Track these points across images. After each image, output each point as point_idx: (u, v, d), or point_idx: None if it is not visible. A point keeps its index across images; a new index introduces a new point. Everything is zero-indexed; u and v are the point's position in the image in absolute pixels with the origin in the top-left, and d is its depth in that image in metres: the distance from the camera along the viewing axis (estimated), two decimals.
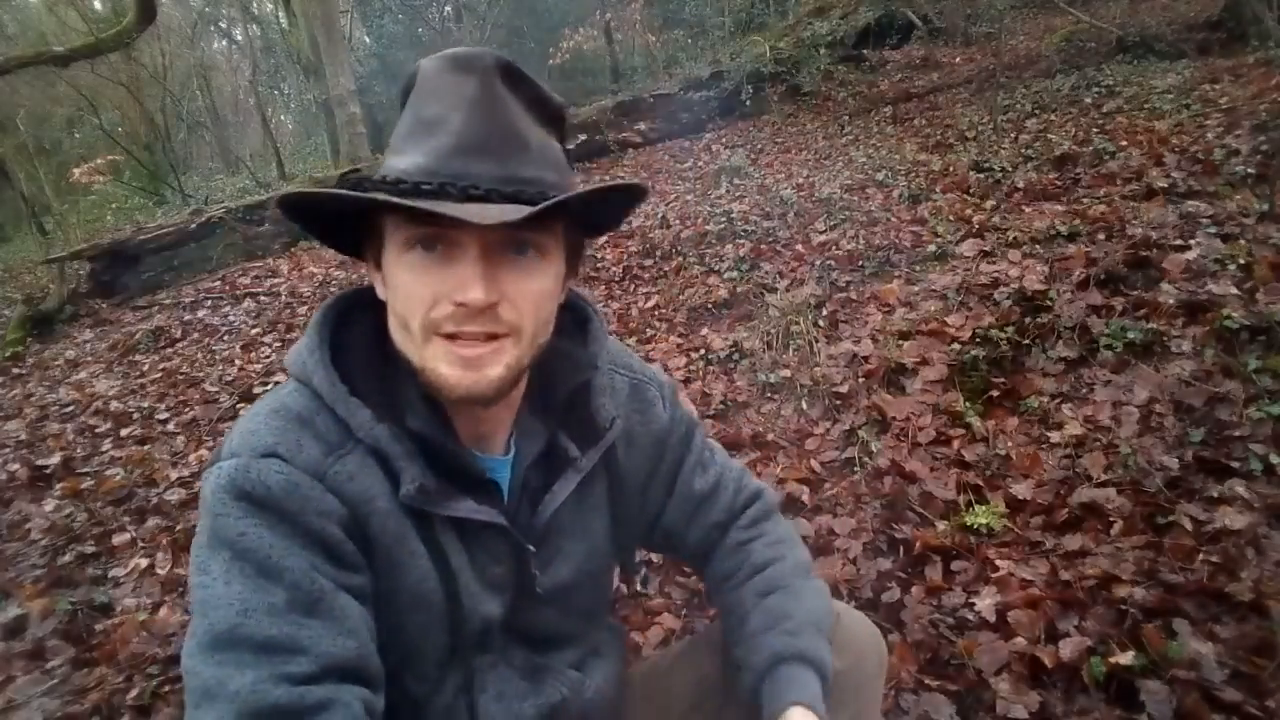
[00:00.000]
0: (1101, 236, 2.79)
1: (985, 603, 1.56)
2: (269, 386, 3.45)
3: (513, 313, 0.66)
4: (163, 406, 3.56)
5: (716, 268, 3.60)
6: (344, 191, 0.65)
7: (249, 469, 0.64)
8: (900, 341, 2.57)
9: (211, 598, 0.62)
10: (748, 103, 7.42)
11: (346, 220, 0.72)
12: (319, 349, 0.71)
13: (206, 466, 0.69)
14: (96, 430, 3.42)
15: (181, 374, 3.96)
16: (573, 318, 0.85)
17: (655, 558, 1.92)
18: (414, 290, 0.65)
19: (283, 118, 18.83)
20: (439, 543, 0.72)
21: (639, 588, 1.82)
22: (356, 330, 0.75)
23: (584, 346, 0.83)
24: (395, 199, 0.61)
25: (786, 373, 2.62)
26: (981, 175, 3.89)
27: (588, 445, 0.80)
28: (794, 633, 0.83)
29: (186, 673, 0.62)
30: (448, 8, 12.88)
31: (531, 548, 0.78)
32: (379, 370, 0.72)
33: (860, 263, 3.23)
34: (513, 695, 0.79)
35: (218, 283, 5.80)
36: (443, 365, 0.66)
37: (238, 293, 5.37)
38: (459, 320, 0.65)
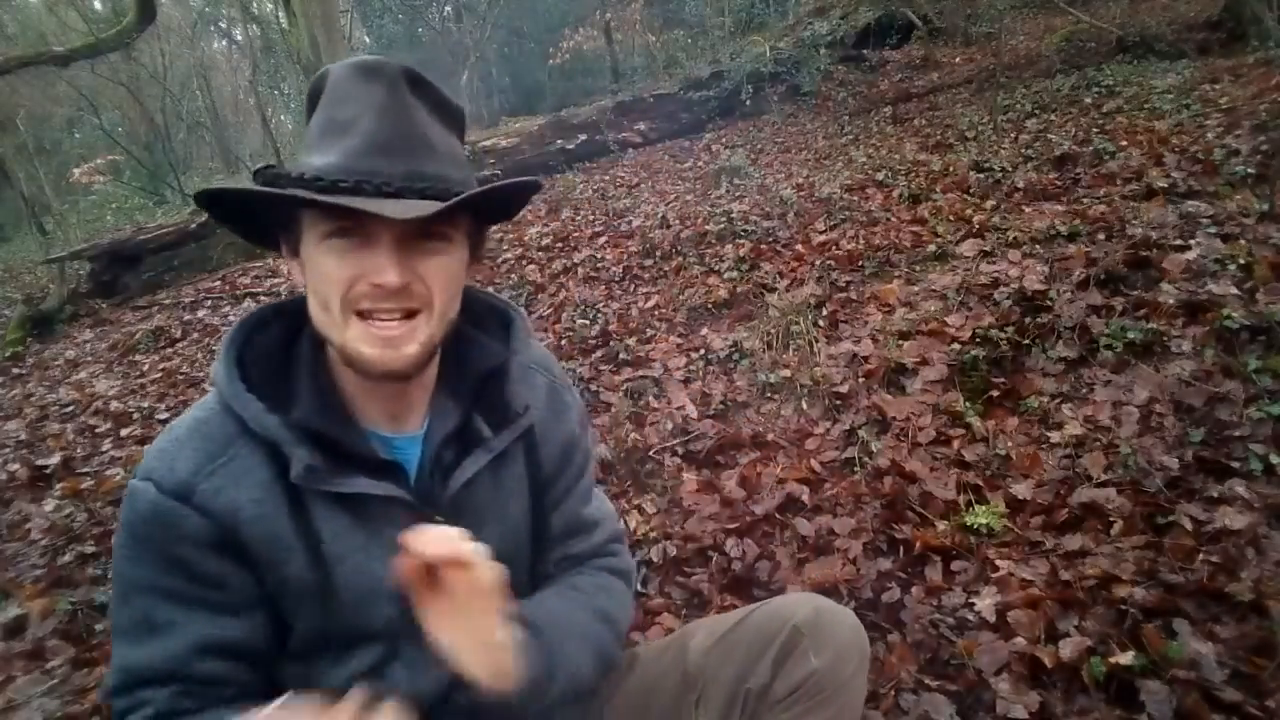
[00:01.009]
0: (1101, 236, 2.79)
1: (985, 603, 1.56)
2: None
3: (424, 290, 0.73)
4: (163, 406, 3.56)
5: (716, 268, 3.60)
6: (268, 190, 0.71)
7: (131, 495, 0.74)
8: (900, 341, 2.57)
9: (111, 606, 0.78)
10: (748, 103, 7.42)
11: (265, 214, 0.77)
12: (225, 353, 0.78)
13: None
14: (96, 430, 3.42)
15: (181, 374, 3.97)
16: (498, 320, 0.91)
17: (655, 557, 1.92)
18: (334, 273, 0.71)
19: (283, 118, 18.80)
20: (326, 519, 0.76)
21: (639, 587, 1.82)
22: (264, 337, 0.82)
23: (497, 339, 0.89)
24: (319, 196, 0.67)
25: (786, 373, 2.62)
26: (981, 175, 3.89)
27: (500, 428, 0.85)
28: (549, 613, 0.84)
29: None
30: (448, 8, 12.88)
31: (439, 518, 0.78)
32: (279, 369, 0.79)
33: (860, 263, 3.23)
34: (423, 665, 0.79)
35: (218, 283, 5.80)
36: (363, 345, 0.72)
37: (238, 293, 5.37)
38: (375, 299, 0.71)
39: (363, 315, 0.72)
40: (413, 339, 0.73)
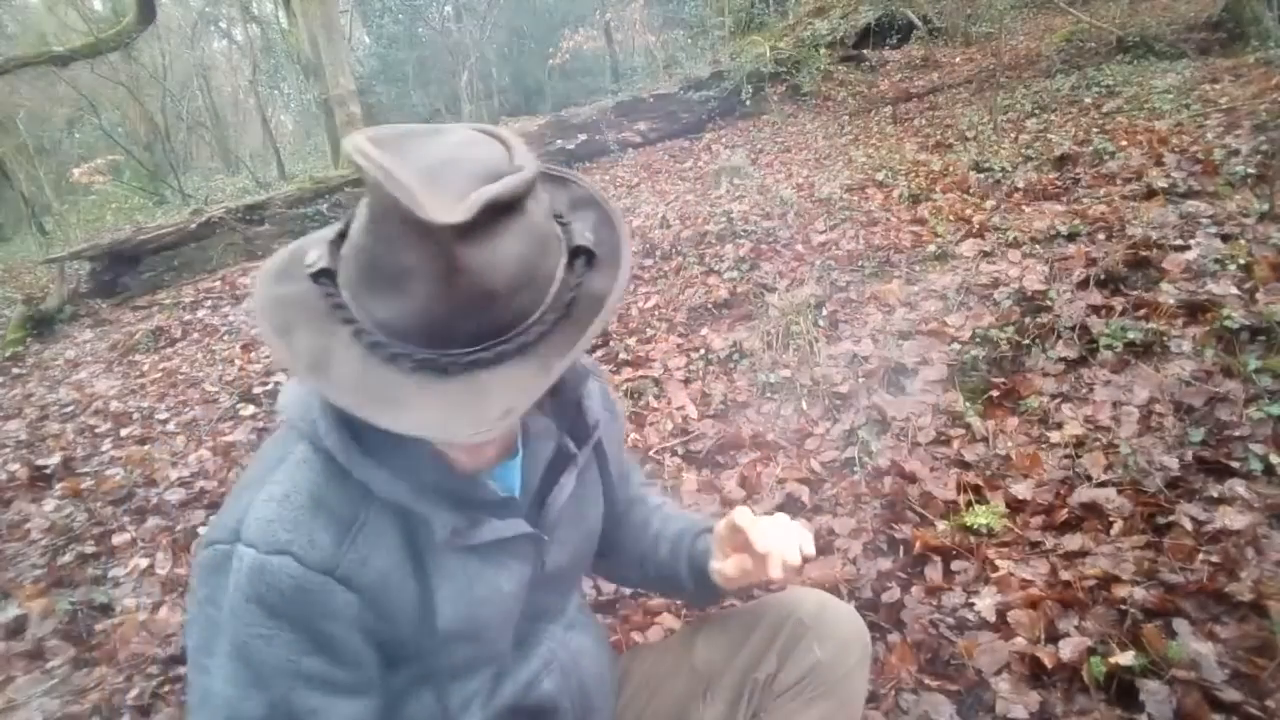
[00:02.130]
0: (1101, 236, 2.79)
1: (985, 603, 1.56)
2: (269, 386, 3.45)
3: (509, 432, 0.73)
4: (163, 406, 3.56)
5: (716, 268, 3.60)
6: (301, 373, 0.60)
7: (264, 570, 0.66)
8: (900, 341, 2.57)
9: (210, 692, 0.69)
10: (748, 103, 7.42)
11: None
12: (327, 408, 0.69)
13: (212, 535, 0.72)
14: (96, 430, 3.42)
15: (181, 374, 3.96)
16: None
17: None
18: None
19: (283, 118, 18.83)
20: (471, 571, 0.77)
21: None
22: None
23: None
24: (372, 415, 0.58)
25: (786, 373, 2.62)
26: (981, 175, 3.89)
27: (581, 442, 0.87)
28: (698, 518, 0.98)
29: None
30: (448, 8, 12.88)
31: (546, 539, 0.83)
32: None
33: (860, 263, 3.23)
34: (524, 677, 0.87)
35: (218, 283, 5.80)
36: (454, 454, 0.72)
37: (238, 293, 5.37)
38: (467, 447, 0.72)
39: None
40: (498, 441, 0.74)
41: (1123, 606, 1.47)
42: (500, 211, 0.57)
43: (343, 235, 0.65)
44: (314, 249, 0.65)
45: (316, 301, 0.62)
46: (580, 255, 0.65)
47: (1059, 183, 3.53)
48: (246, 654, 0.67)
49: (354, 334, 0.61)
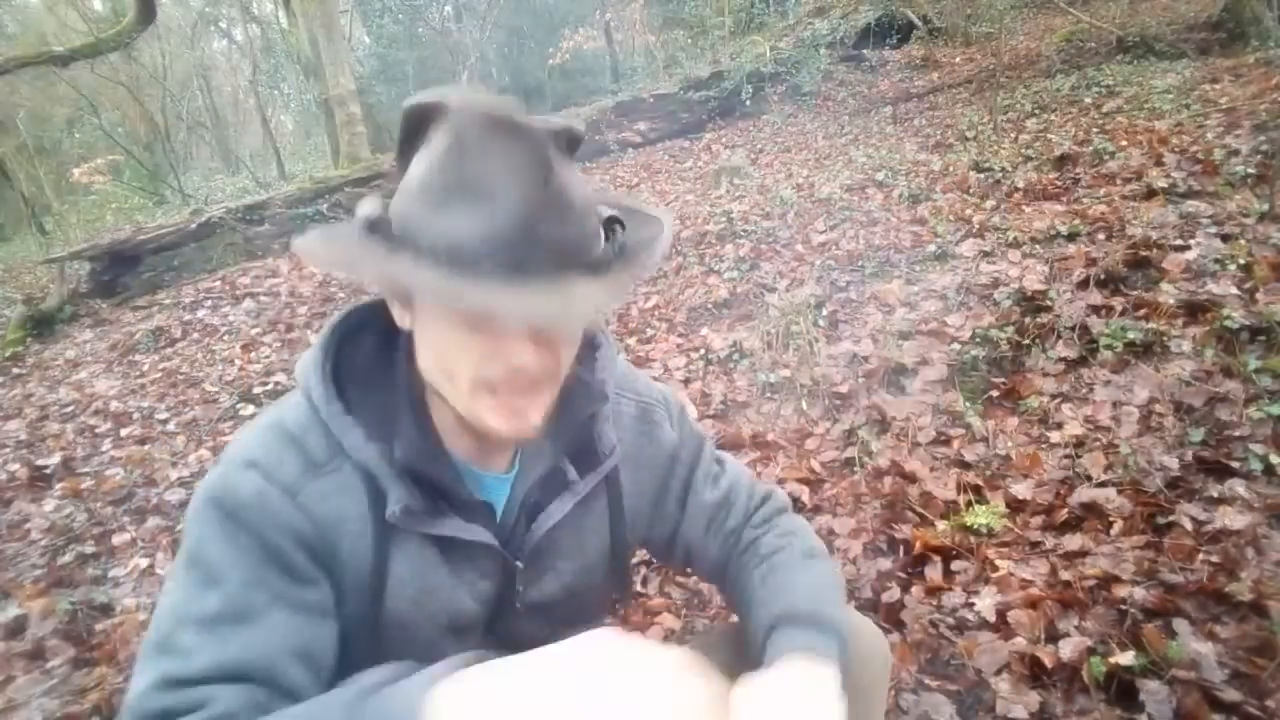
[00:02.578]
0: (1101, 236, 2.80)
1: (985, 603, 1.56)
2: (269, 386, 3.46)
3: (554, 365, 0.69)
4: (163, 406, 3.56)
5: (716, 268, 3.60)
6: (389, 270, 0.61)
7: (228, 477, 0.68)
8: (900, 341, 2.57)
9: (164, 605, 0.67)
10: (748, 103, 7.42)
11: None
12: (322, 364, 0.73)
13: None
14: (96, 430, 3.42)
15: (181, 374, 3.96)
16: (586, 343, 0.85)
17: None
18: (464, 351, 0.66)
19: (283, 118, 18.83)
20: (420, 558, 0.74)
21: (638, 587, 1.82)
22: (361, 348, 0.77)
23: (593, 373, 0.84)
24: (458, 294, 0.59)
25: (786, 373, 2.62)
26: (981, 175, 3.89)
27: (587, 470, 0.82)
28: (795, 598, 0.82)
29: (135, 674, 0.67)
30: (448, 8, 12.88)
31: (519, 565, 0.80)
32: (377, 390, 0.74)
33: (860, 263, 3.23)
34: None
35: (218, 283, 5.80)
36: (491, 418, 0.69)
37: (238, 293, 5.37)
38: (511, 383, 0.67)
39: (491, 390, 0.67)
40: (540, 408, 0.71)
41: (1123, 606, 1.47)
42: (572, 143, 0.67)
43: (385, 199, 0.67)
44: (362, 206, 0.66)
45: (374, 244, 0.63)
46: (614, 223, 0.70)
47: (1059, 183, 3.53)
48: (199, 555, 0.67)
49: (420, 253, 0.61)
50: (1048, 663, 1.39)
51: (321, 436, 0.71)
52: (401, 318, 0.71)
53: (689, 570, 0.96)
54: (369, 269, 0.63)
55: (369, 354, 0.77)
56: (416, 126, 0.65)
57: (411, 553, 0.74)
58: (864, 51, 8.20)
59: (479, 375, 0.66)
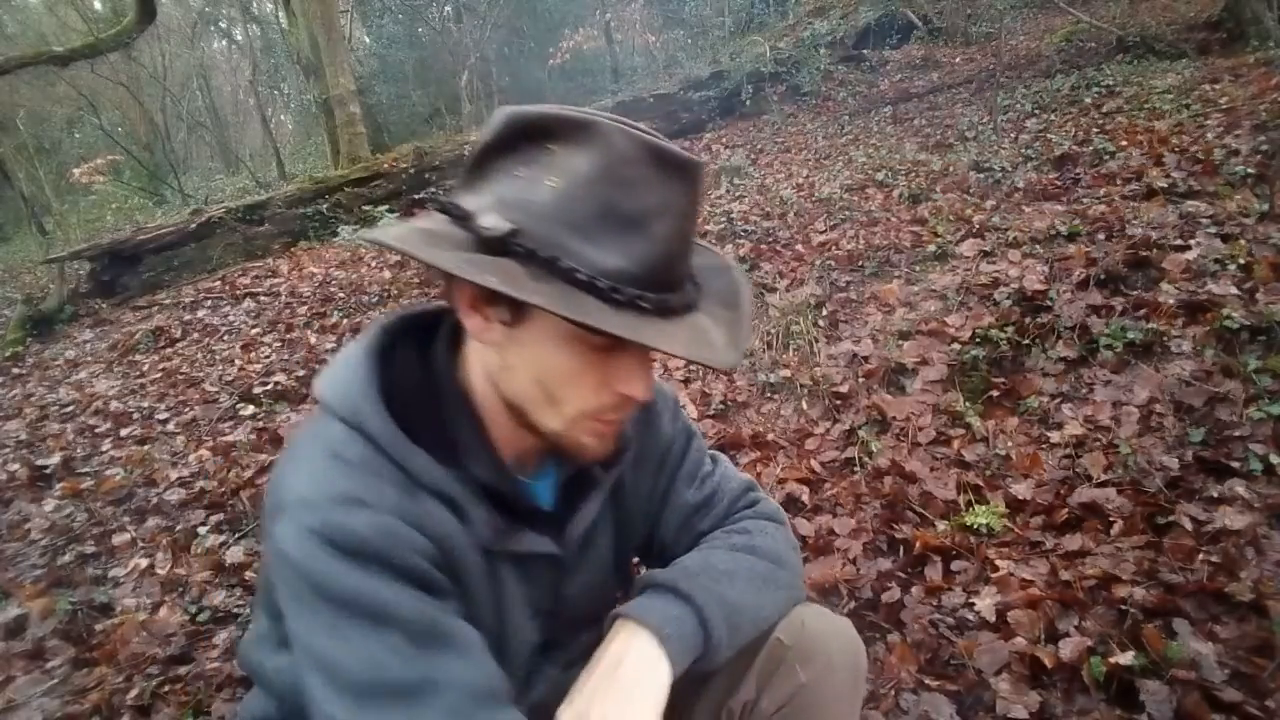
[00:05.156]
0: (1101, 236, 2.79)
1: (985, 603, 1.56)
2: (269, 386, 3.45)
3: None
4: (163, 406, 3.56)
5: None
6: (560, 312, 0.56)
7: (333, 520, 0.62)
8: (900, 341, 2.57)
9: (334, 660, 0.61)
10: (748, 103, 7.42)
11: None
12: (371, 392, 0.67)
13: (268, 515, 0.66)
14: (96, 430, 3.42)
15: (181, 374, 3.96)
16: None
17: None
18: (579, 381, 0.65)
19: (283, 118, 18.81)
20: (500, 578, 0.73)
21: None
22: (404, 364, 0.72)
23: None
24: (658, 344, 0.59)
25: (786, 373, 2.62)
26: (981, 175, 3.89)
27: (608, 466, 0.81)
28: (684, 570, 0.80)
29: None
30: (448, 8, 12.87)
31: (567, 564, 0.80)
32: (431, 409, 0.70)
33: (860, 263, 3.23)
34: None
35: (218, 283, 5.80)
36: (587, 438, 0.69)
37: (238, 293, 5.37)
38: (620, 411, 0.68)
39: (597, 419, 0.68)
40: (621, 426, 0.73)
41: (1123, 606, 1.47)
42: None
43: (463, 214, 0.62)
44: (486, 217, 0.59)
45: (510, 265, 0.58)
46: None
47: (1059, 183, 3.53)
48: (351, 603, 0.61)
49: (573, 284, 0.58)
50: (1048, 663, 1.39)
51: (391, 467, 0.66)
52: (485, 330, 0.65)
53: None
54: (504, 287, 0.56)
55: (413, 371, 0.72)
56: (532, 136, 0.61)
57: (505, 575, 0.74)
58: (864, 51, 8.20)
59: (592, 403, 0.66)
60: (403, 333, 0.74)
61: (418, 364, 0.73)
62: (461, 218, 0.61)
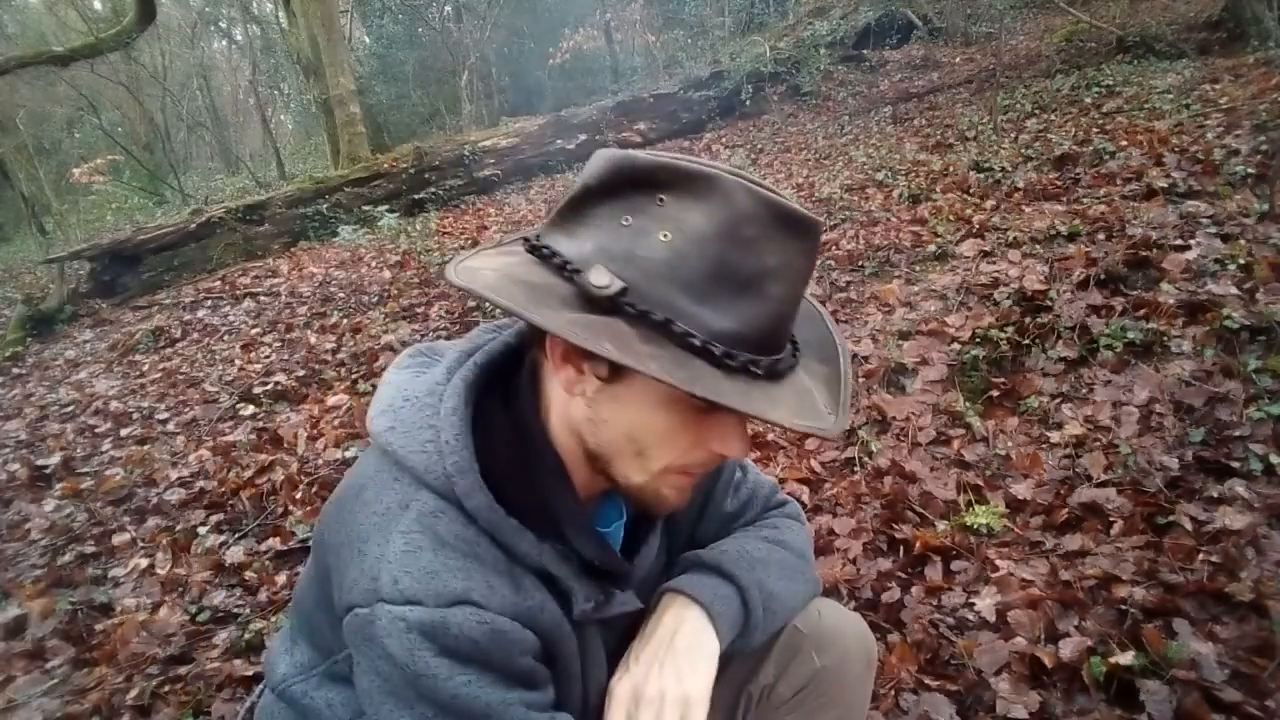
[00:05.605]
0: (1101, 236, 2.80)
1: (985, 603, 1.56)
2: (269, 386, 3.45)
3: None
4: (163, 406, 3.56)
5: None
6: (675, 384, 0.53)
7: (446, 623, 0.59)
8: (900, 341, 2.57)
9: None
10: (748, 103, 7.43)
11: None
12: (470, 465, 0.63)
13: (362, 598, 0.62)
14: (96, 430, 3.42)
15: (181, 374, 3.96)
16: None
17: None
18: (674, 439, 0.63)
19: (283, 118, 18.82)
20: (592, 644, 0.73)
21: None
22: (494, 426, 0.67)
23: None
24: (769, 416, 0.56)
25: None
26: (981, 175, 3.89)
27: None
28: (724, 553, 0.82)
29: None
30: (448, 8, 12.88)
31: (640, 606, 0.77)
32: (527, 478, 0.66)
33: (860, 263, 3.23)
34: None
35: (218, 283, 5.80)
36: (668, 490, 0.67)
37: (238, 293, 5.37)
38: (708, 465, 0.66)
39: (683, 473, 0.66)
40: (703, 480, 0.72)
41: (1123, 606, 1.47)
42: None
43: (563, 262, 0.59)
44: (594, 273, 0.56)
45: (620, 326, 0.55)
46: None
47: (1059, 183, 3.53)
48: (453, 710, 0.60)
49: (685, 348, 0.56)
50: (1048, 663, 1.38)
51: (493, 548, 0.63)
52: (577, 383, 0.62)
53: None
54: (620, 356, 0.53)
55: (505, 432, 0.67)
56: (641, 185, 0.57)
57: (595, 638, 0.73)
58: (864, 51, 8.21)
59: (683, 461, 0.64)
60: (495, 377, 0.70)
61: (507, 421, 0.67)
62: (560, 266, 0.58)
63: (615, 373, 0.60)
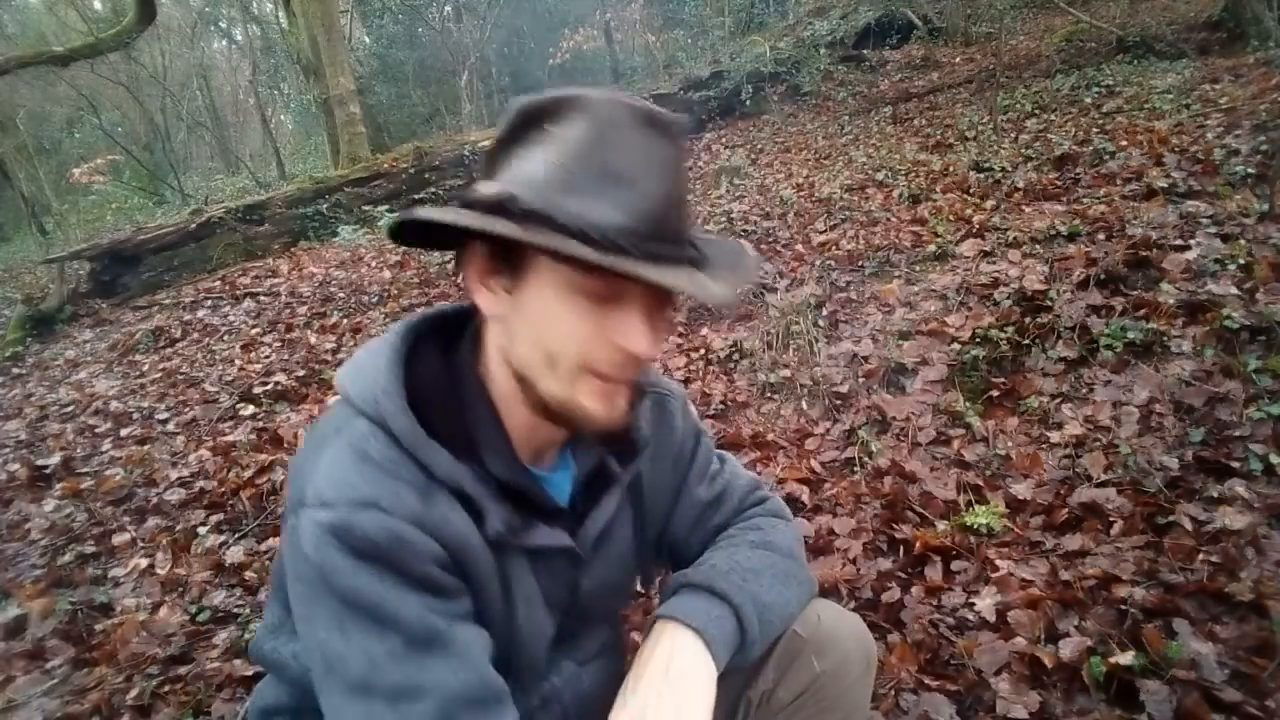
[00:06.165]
0: (1101, 236, 2.80)
1: (985, 603, 1.56)
2: (269, 386, 3.45)
3: (656, 354, 0.71)
4: (163, 406, 3.56)
5: None
6: (543, 246, 0.60)
7: (351, 522, 0.64)
8: (900, 341, 2.57)
9: (336, 653, 0.65)
10: (748, 103, 7.43)
11: (460, 239, 0.70)
12: (395, 389, 0.70)
13: (289, 506, 0.69)
14: (96, 430, 3.42)
15: (181, 374, 3.96)
16: None
17: None
18: (579, 331, 0.66)
19: (283, 118, 18.81)
20: (513, 573, 0.74)
21: (639, 588, 1.82)
22: (426, 362, 0.74)
23: None
24: (643, 274, 0.60)
25: (786, 373, 2.62)
26: (981, 175, 3.89)
27: (626, 462, 0.83)
28: (700, 569, 0.84)
29: (332, 713, 0.66)
30: (448, 8, 12.88)
31: (584, 559, 0.80)
32: (452, 406, 0.73)
33: (860, 263, 3.23)
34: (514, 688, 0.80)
35: (218, 283, 5.80)
36: (589, 401, 0.69)
37: (238, 293, 5.37)
38: (619, 367, 0.68)
39: (597, 375, 0.68)
40: (628, 397, 0.72)
41: (1123, 606, 1.47)
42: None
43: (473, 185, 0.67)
44: (483, 186, 0.64)
45: (508, 223, 0.62)
46: None
47: (1059, 183, 3.53)
48: (357, 603, 0.64)
49: (566, 234, 0.61)
50: (1048, 663, 1.38)
51: (412, 465, 0.68)
52: (494, 304, 0.69)
53: (672, 567, 0.96)
54: (495, 228, 0.61)
55: (436, 370, 0.74)
56: (532, 121, 0.65)
57: (518, 569, 0.74)
58: (864, 51, 8.21)
59: (589, 357, 0.67)
60: (429, 331, 0.77)
61: (441, 361, 0.75)
62: (470, 202, 0.65)
63: (516, 281, 0.67)
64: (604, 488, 0.81)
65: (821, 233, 3.67)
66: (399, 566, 0.65)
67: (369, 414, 0.69)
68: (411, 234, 0.72)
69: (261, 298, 5.16)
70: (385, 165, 7.31)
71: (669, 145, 0.65)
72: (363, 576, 0.64)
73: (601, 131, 0.63)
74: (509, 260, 0.67)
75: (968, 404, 2.24)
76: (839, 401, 2.45)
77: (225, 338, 4.52)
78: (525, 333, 0.68)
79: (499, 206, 0.62)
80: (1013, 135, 4.50)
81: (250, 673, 1.71)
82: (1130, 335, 2.22)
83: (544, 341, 0.67)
